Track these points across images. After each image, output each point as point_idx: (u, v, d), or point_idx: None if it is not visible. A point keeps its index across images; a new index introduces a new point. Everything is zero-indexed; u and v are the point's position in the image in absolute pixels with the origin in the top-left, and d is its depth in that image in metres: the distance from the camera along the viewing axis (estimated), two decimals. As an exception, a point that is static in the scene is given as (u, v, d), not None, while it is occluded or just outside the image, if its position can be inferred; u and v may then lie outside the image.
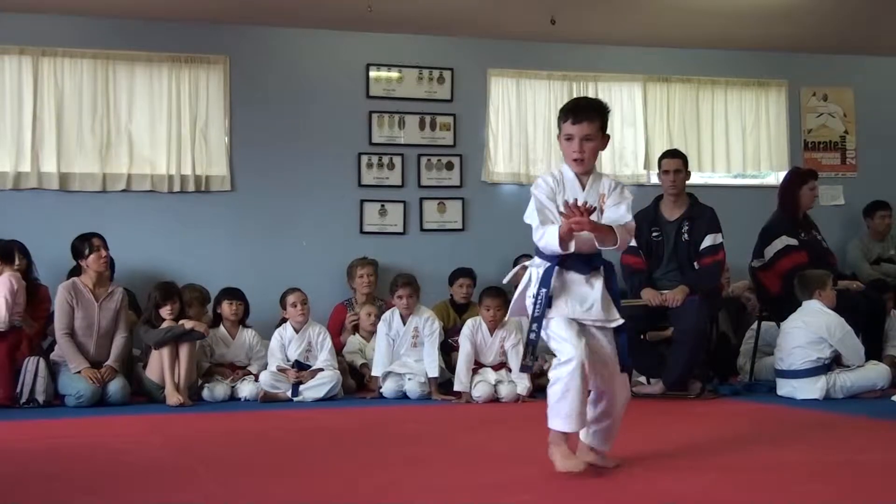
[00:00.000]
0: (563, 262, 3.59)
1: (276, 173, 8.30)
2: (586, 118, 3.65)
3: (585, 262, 3.62)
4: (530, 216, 3.65)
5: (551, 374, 3.54)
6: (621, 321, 3.65)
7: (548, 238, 3.51)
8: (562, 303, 3.59)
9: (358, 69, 8.57)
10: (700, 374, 6.63)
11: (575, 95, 8.93)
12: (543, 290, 3.56)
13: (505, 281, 4.09)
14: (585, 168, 3.68)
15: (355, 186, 8.38)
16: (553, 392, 3.51)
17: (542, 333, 3.61)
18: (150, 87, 8.08)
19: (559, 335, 3.54)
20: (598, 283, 3.63)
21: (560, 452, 3.52)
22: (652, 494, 3.34)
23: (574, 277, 3.62)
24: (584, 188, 3.67)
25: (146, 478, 3.83)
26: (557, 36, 8.50)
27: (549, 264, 3.60)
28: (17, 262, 6.92)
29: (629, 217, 3.61)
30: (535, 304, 3.58)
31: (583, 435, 3.72)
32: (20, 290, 6.69)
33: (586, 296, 3.61)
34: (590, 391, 3.60)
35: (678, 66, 9.25)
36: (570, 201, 3.44)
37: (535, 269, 3.67)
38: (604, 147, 3.71)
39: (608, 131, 3.73)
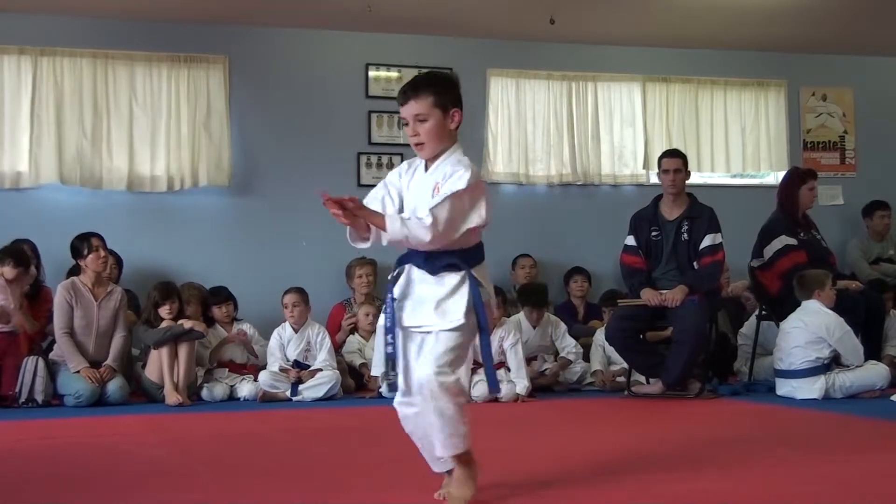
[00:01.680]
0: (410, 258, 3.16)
1: (276, 173, 8.31)
2: (414, 96, 3.16)
3: (426, 259, 3.12)
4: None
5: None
6: (455, 324, 3.07)
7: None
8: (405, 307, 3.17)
9: (357, 69, 8.57)
10: (699, 373, 6.64)
11: (574, 96, 8.95)
12: (389, 296, 3.18)
13: None
14: (430, 152, 3.18)
15: (355, 186, 8.37)
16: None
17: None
18: (150, 86, 8.08)
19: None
20: (445, 287, 3.10)
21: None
22: (650, 494, 3.34)
23: (416, 275, 3.16)
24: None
25: (146, 478, 3.83)
26: (557, 36, 8.50)
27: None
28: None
29: (436, 205, 3.02)
30: (385, 312, 3.20)
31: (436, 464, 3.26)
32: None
33: (423, 297, 3.12)
34: None
35: (677, 67, 9.25)
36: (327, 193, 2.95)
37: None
38: (453, 124, 3.20)
39: (455, 106, 3.22)
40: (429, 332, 3.12)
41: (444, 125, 3.18)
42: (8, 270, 6.70)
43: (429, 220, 3.00)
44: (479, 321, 3.10)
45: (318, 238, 8.25)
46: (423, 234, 3.00)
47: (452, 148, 3.23)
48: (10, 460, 4.33)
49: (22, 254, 6.87)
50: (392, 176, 3.29)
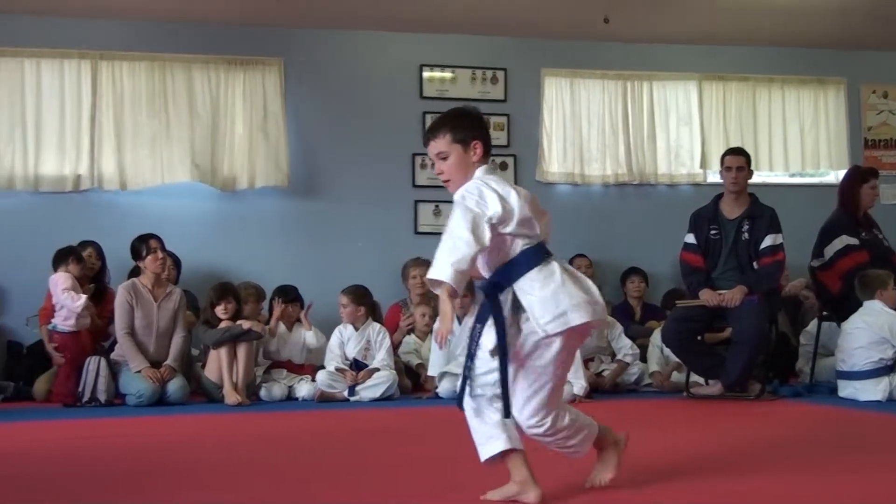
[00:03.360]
0: None
1: (332, 174, 8.36)
2: (433, 136, 3.28)
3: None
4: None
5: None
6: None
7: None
8: None
9: (411, 70, 8.60)
10: (759, 375, 6.56)
11: (630, 95, 8.90)
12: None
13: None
14: (457, 187, 3.22)
15: (409, 187, 8.40)
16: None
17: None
18: (207, 89, 8.17)
19: None
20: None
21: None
22: (710, 494, 3.31)
23: None
24: None
25: (200, 476, 3.86)
26: (611, 35, 8.47)
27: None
28: (86, 262, 7.12)
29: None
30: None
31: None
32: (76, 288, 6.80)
33: None
34: None
35: (734, 65, 9.16)
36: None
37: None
38: (476, 156, 3.24)
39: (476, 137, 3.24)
40: None
41: (465, 159, 3.26)
42: (74, 268, 6.82)
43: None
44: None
45: (375, 238, 8.30)
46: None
47: (477, 175, 3.24)
48: (73, 457, 4.40)
49: (79, 253, 7.01)
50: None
